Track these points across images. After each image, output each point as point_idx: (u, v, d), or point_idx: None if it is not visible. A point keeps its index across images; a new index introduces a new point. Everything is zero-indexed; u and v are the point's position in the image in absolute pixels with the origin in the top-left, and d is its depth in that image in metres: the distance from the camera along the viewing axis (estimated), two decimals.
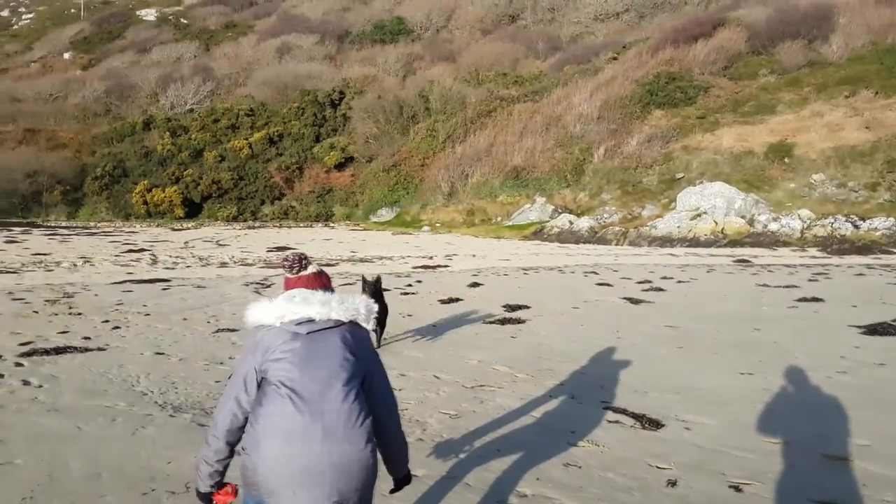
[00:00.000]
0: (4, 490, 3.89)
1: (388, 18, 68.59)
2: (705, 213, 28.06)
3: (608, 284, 14.03)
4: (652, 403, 5.75)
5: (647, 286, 13.64)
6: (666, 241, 27.56)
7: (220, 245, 24.72)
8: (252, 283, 13.68)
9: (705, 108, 35.99)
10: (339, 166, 44.31)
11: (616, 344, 8.24)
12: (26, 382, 6.06)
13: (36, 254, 19.35)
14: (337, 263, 18.28)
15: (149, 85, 54.61)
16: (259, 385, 2.56)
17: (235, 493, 2.63)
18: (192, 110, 51.50)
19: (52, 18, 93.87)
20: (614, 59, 45.92)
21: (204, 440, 2.64)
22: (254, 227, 37.16)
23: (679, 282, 14.55)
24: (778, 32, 38.64)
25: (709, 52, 39.08)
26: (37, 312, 9.64)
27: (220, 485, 2.62)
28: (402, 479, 2.89)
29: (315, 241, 27.73)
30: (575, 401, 5.87)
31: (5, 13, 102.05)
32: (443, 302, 11.29)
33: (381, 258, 20.12)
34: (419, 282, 14.15)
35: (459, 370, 6.80)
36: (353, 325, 2.69)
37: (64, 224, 37.47)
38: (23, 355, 7.01)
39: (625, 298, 11.96)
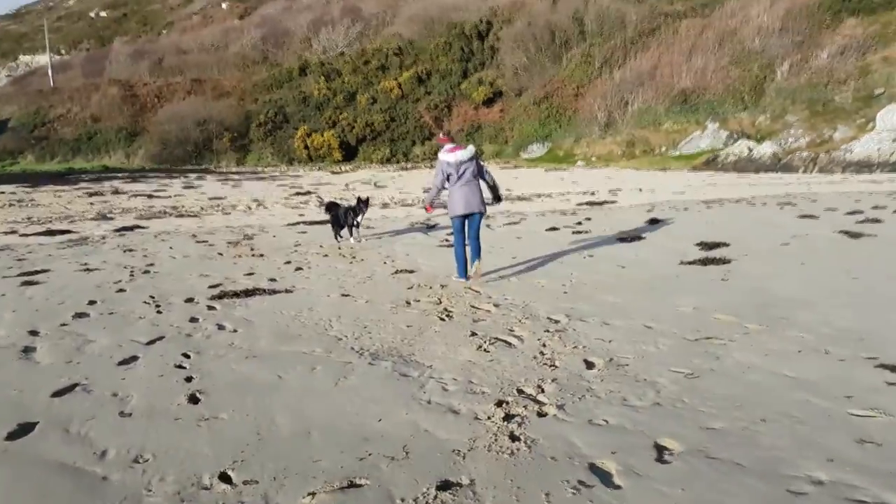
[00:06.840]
0: (213, 448, 3.55)
1: None
2: None
3: (812, 216, 12.26)
4: None
5: (859, 217, 11.83)
6: (863, 167, 24.21)
7: (378, 187, 24.97)
8: (417, 223, 13.43)
9: None
10: (488, 102, 43.12)
11: (852, 286, 6.90)
12: (221, 327, 5.94)
13: (213, 198, 20.52)
14: None
15: (301, 30, 56.09)
16: (448, 178, 7.52)
17: (432, 209, 8.21)
18: (343, 53, 52.32)
19: None
20: None
21: (431, 188, 7.86)
22: (406, 169, 37.44)
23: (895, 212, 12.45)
24: None
25: None
26: (221, 254, 9.89)
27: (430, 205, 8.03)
28: (498, 198, 8.15)
29: None
30: (832, 357, 4.80)
31: None
32: (622, 240, 10.27)
33: (538, 196, 19.14)
34: (588, 219, 13.16)
35: (673, 319, 5.87)
36: (475, 157, 7.58)
37: (234, 170, 40.00)
38: (214, 298, 6.99)
39: (841, 232, 10.28)
